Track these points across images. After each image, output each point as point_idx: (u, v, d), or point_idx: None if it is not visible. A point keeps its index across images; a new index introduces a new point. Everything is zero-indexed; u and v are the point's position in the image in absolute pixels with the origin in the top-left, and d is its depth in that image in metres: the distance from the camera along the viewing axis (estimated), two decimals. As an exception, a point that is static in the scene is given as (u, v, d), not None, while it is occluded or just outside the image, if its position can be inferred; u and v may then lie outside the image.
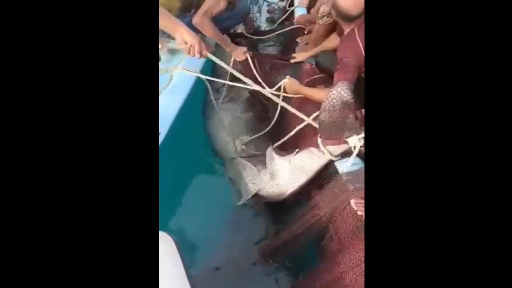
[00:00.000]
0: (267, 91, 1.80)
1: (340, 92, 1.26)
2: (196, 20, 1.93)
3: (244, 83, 1.73)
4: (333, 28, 1.99)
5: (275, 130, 2.01)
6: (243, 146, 2.04)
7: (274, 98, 1.78)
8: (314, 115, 1.62)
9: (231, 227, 1.92)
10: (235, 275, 1.61)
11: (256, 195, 1.88)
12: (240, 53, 2.14)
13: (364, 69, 1.56)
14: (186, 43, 1.43)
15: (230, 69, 1.75)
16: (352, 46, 1.59)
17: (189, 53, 1.46)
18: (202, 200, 1.98)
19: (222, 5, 2.02)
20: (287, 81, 1.88)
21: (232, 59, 2.16)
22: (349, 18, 1.63)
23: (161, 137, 1.68)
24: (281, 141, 1.83)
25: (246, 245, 1.77)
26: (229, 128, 2.14)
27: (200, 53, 1.46)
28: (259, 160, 1.91)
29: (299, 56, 2.20)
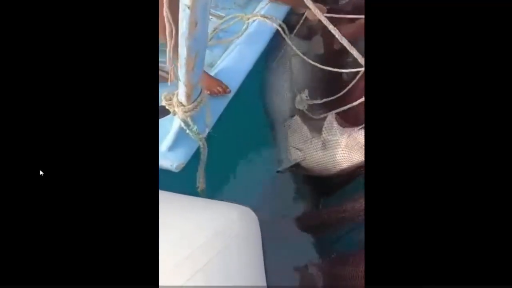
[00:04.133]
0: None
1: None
2: None
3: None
4: None
5: (343, 98, 1.75)
6: (306, 100, 1.82)
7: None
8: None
9: (266, 197, 1.76)
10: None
11: (298, 166, 1.69)
12: (320, 8, 1.85)
13: None
14: None
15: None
16: None
17: None
18: (243, 165, 1.83)
19: None
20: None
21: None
22: None
23: (230, 95, 1.48)
24: (344, 108, 1.58)
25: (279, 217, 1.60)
26: (295, 82, 1.91)
27: None
28: (316, 126, 1.68)
29: None
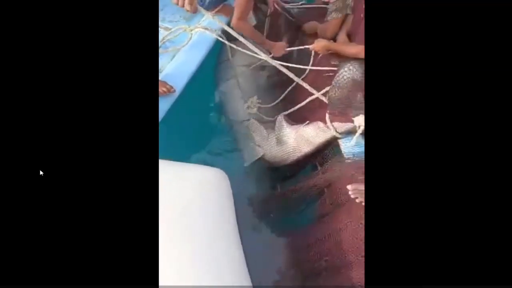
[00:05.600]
0: (283, 68, 1.82)
1: (352, 70, 1.31)
2: (233, 23, 1.94)
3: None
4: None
5: (288, 100, 2.07)
6: (256, 109, 2.10)
7: (290, 74, 1.81)
8: (324, 90, 1.66)
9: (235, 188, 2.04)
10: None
11: (260, 159, 1.98)
12: (279, 49, 2.09)
13: None
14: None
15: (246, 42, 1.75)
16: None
17: (177, 3, 1.46)
18: (207, 161, 2.06)
19: (252, 4, 2.01)
20: (315, 45, 1.89)
21: None
22: None
23: (175, 95, 1.75)
24: (291, 110, 1.88)
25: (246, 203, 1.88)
26: (243, 90, 2.19)
27: (191, 4, 1.45)
28: (269, 125, 2.00)
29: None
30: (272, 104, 2.10)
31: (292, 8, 2.49)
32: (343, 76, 1.33)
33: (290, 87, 2.00)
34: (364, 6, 1.74)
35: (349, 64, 1.32)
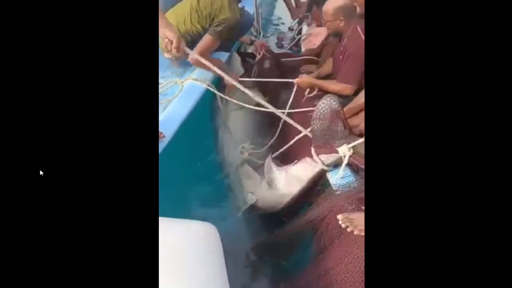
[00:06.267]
0: (271, 107, 1.87)
1: (329, 101, 1.34)
2: (192, 58, 2.04)
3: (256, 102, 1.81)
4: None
5: (277, 142, 2.09)
6: (247, 154, 2.12)
7: (277, 112, 1.86)
8: (310, 128, 1.69)
9: (229, 236, 1.96)
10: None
11: (253, 207, 1.93)
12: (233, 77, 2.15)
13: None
14: (166, 38, 1.49)
15: (237, 84, 1.84)
16: (356, 43, 1.69)
17: (166, 47, 1.52)
18: (200, 209, 2.04)
19: (217, 44, 2.12)
20: (299, 80, 1.98)
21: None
22: (352, 12, 1.75)
23: (165, 140, 1.76)
24: (279, 151, 1.89)
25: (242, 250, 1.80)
26: (235, 135, 2.23)
27: (178, 48, 1.50)
28: (261, 170, 1.98)
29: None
30: (264, 148, 2.13)
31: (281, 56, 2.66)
32: (322, 108, 1.36)
33: (279, 128, 2.03)
34: (342, 49, 1.87)
35: (325, 96, 1.36)
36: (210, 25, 2.08)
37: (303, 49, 2.78)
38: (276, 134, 2.07)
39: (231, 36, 2.19)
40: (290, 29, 3.36)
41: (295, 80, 2.00)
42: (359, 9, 1.88)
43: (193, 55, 1.90)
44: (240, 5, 2.23)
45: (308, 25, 2.99)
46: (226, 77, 1.84)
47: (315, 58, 2.58)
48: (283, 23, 3.78)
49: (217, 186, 2.16)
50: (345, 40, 1.81)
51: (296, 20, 3.38)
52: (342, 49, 1.83)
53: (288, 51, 2.83)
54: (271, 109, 1.78)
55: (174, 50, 1.52)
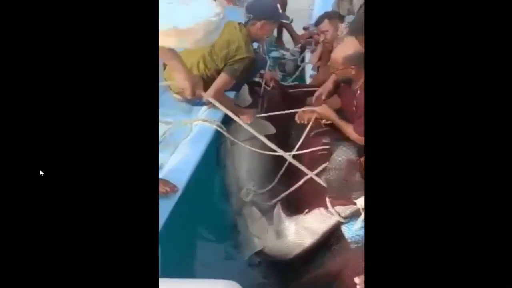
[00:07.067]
0: (278, 149, 1.76)
1: (345, 151, 1.23)
2: (207, 96, 1.98)
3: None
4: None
5: (283, 184, 1.96)
6: (251, 196, 1.97)
7: (282, 153, 1.75)
8: (317, 170, 1.57)
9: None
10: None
11: (261, 252, 1.78)
12: (249, 115, 2.12)
13: None
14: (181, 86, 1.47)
15: (246, 126, 1.76)
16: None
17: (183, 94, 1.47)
18: (211, 257, 1.91)
19: (233, 82, 2.09)
20: (320, 108, 1.89)
21: None
22: (361, 61, 1.66)
23: (179, 193, 1.60)
24: (283, 194, 1.79)
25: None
26: (241, 176, 2.09)
27: (194, 94, 1.46)
28: (268, 215, 1.84)
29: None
30: (268, 187, 2.00)
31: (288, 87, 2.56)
32: (338, 158, 1.24)
33: (283, 168, 1.92)
34: (354, 97, 1.76)
35: (341, 146, 1.25)
36: (225, 64, 2.02)
37: (308, 79, 2.69)
38: (278, 177, 1.95)
39: (246, 75, 2.14)
40: (292, 53, 3.29)
41: (316, 108, 1.88)
42: None
43: (209, 96, 1.86)
44: (254, 44, 2.19)
45: (312, 52, 2.91)
46: (238, 120, 1.78)
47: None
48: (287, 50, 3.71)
49: (223, 228, 2.02)
50: (358, 91, 1.69)
51: (298, 46, 3.31)
52: (354, 96, 1.71)
53: (295, 82, 2.74)
54: (279, 152, 1.66)
55: (189, 97, 1.46)
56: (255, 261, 1.83)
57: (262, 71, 2.45)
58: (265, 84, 2.35)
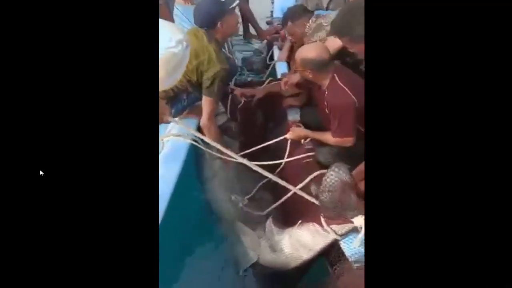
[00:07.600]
0: (259, 169, 1.71)
1: (338, 172, 1.21)
2: (203, 123, 1.97)
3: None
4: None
5: (272, 194, 1.95)
6: (242, 205, 1.97)
7: (260, 170, 1.70)
8: (300, 185, 1.58)
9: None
10: None
11: (257, 263, 1.78)
12: None
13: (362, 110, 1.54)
14: None
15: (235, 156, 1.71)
16: (339, 95, 1.58)
17: None
18: (203, 273, 1.87)
19: (218, 102, 2.06)
20: (291, 134, 1.87)
21: None
22: (322, 65, 1.62)
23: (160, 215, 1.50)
24: (270, 208, 1.78)
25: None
26: (226, 187, 2.06)
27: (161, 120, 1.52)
28: (260, 226, 1.84)
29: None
30: (256, 198, 1.98)
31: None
32: (330, 180, 1.23)
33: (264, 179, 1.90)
34: (324, 101, 1.73)
35: (333, 167, 1.23)
36: (200, 84, 1.92)
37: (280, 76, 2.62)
38: (258, 187, 1.95)
39: (223, 85, 2.05)
40: (260, 51, 3.19)
41: (287, 136, 1.85)
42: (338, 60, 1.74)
43: (204, 123, 1.91)
44: (223, 50, 2.10)
45: (280, 48, 2.83)
46: (229, 153, 1.73)
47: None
48: (250, 43, 3.62)
49: (218, 245, 1.99)
50: (326, 92, 1.66)
51: (265, 42, 3.22)
52: (324, 100, 1.68)
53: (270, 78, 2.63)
54: (259, 171, 1.63)
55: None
56: (244, 273, 1.82)
57: (231, 86, 2.39)
58: (237, 99, 2.29)
